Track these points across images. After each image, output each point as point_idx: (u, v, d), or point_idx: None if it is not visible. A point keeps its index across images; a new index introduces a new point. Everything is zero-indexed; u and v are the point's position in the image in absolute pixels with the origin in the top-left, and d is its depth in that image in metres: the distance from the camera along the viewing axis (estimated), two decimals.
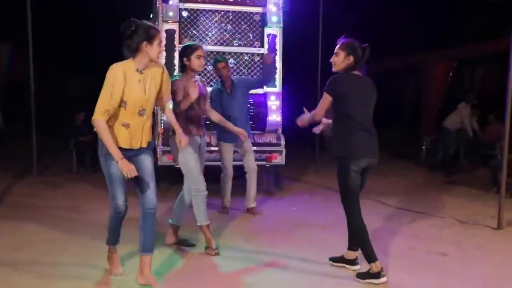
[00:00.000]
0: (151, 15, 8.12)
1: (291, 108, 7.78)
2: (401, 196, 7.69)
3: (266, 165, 7.34)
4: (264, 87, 7.36)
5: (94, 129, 3.64)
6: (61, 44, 20.65)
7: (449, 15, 16.03)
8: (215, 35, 7.32)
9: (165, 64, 6.90)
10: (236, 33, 7.38)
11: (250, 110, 7.05)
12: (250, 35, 7.41)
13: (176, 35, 7.04)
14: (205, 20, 7.25)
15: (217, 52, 7.24)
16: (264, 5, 7.35)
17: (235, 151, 6.46)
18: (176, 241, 4.90)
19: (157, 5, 7.17)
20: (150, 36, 3.66)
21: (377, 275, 3.97)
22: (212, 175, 6.85)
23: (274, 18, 7.34)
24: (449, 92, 13.33)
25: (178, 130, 4.27)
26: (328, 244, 4.93)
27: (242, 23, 7.38)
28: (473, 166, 10.54)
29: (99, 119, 3.56)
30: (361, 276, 4.08)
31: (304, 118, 4.36)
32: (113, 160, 3.60)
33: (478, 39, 12.47)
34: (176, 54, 6.98)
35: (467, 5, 14.27)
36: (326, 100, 4.04)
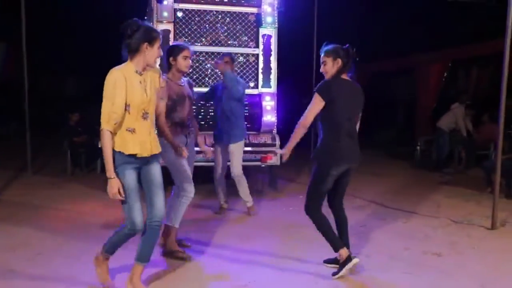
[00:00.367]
0: (146, 16, 8.12)
1: (286, 108, 7.79)
2: (395, 196, 7.70)
3: (261, 166, 7.34)
4: (259, 87, 7.37)
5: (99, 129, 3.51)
6: (55, 44, 20.60)
7: (444, 16, 16.09)
8: (210, 36, 7.32)
9: (159, 65, 6.92)
10: (231, 34, 7.38)
11: (246, 113, 7.03)
12: (245, 35, 7.41)
13: (171, 36, 7.03)
14: (199, 21, 7.24)
15: (212, 53, 7.25)
16: (259, 5, 7.35)
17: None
18: (174, 250, 4.70)
19: (152, 6, 7.16)
20: (151, 37, 3.57)
21: (348, 260, 4.05)
22: (207, 176, 6.86)
23: (269, 19, 7.35)
24: (444, 93, 13.37)
25: (174, 142, 4.27)
26: (323, 245, 4.91)
27: (237, 23, 7.38)
28: (467, 166, 10.58)
29: (103, 130, 3.43)
30: (336, 272, 4.14)
31: (289, 147, 4.23)
32: (127, 169, 3.52)
33: (472, 40, 12.52)
34: None
35: (461, 6, 14.30)
36: (318, 105, 4.01)
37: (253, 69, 7.42)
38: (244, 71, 7.42)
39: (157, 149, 3.72)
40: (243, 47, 7.41)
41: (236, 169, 6.23)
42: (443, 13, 15.86)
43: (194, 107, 7.14)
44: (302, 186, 8.44)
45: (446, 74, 13.46)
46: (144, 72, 3.62)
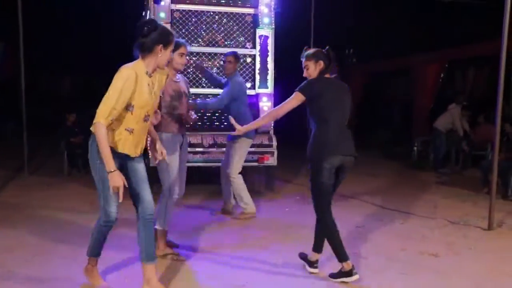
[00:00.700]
0: (144, 16, 8.11)
1: None
2: (392, 197, 7.71)
3: (259, 166, 7.34)
4: (256, 87, 7.37)
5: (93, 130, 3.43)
6: (53, 44, 20.57)
7: (441, 17, 16.12)
8: (207, 36, 7.32)
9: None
10: (228, 34, 7.37)
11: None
12: (242, 36, 7.41)
13: None
14: (197, 21, 7.24)
15: (209, 53, 7.26)
16: (256, 6, 7.35)
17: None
18: (167, 253, 4.67)
19: (149, 6, 7.15)
20: (167, 41, 3.54)
21: (349, 273, 4.01)
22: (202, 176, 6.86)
23: (266, 20, 7.34)
24: (441, 93, 13.40)
25: (158, 142, 4.16)
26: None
27: (234, 24, 7.37)
28: (464, 167, 10.60)
29: (101, 123, 3.31)
30: (334, 275, 4.11)
31: (247, 127, 4.30)
32: None
33: (469, 41, 12.55)
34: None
35: (458, 7, 14.35)
36: (296, 99, 4.04)
37: (250, 70, 7.41)
38: (241, 72, 7.40)
39: (143, 149, 3.73)
40: (240, 47, 7.39)
41: (232, 168, 6.17)
42: (440, 13, 15.90)
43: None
44: (299, 187, 8.47)
45: (443, 75, 13.49)
46: (153, 73, 3.57)
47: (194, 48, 7.16)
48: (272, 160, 7.25)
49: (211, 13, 7.28)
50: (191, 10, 7.22)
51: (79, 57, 21.55)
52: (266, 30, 7.38)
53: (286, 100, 4.11)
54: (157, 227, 4.55)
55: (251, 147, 6.81)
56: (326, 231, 4.15)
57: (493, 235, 5.69)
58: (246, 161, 6.89)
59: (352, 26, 18.19)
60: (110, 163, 3.33)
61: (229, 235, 5.49)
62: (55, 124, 10.95)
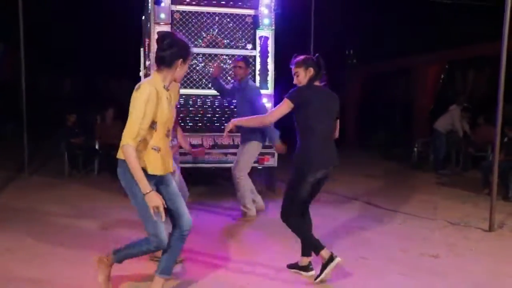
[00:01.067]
0: (143, 17, 8.12)
1: None
2: (392, 198, 7.70)
3: (258, 167, 7.33)
4: None
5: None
6: (53, 45, 20.58)
7: (441, 17, 16.12)
8: (207, 37, 7.32)
9: None
10: (228, 35, 7.37)
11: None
12: (242, 37, 7.41)
13: None
14: (197, 22, 7.24)
15: (209, 54, 7.26)
16: (256, 7, 7.35)
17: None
18: (157, 257, 4.70)
19: (149, 7, 7.15)
20: (187, 54, 3.45)
21: (330, 259, 3.98)
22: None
23: (266, 21, 7.34)
24: (441, 94, 13.40)
25: None
26: None
27: (234, 25, 7.37)
28: (464, 168, 10.59)
29: (130, 145, 3.19)
30: (291, 266, 4.19)
31: (235, 123, 4.30)
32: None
33: (470, 42, 12.55)
34: None
35: (459, 8, 14.35)
36: (285, 106, 4.02)
37: (250, 71, 7.40)
38: None
39: (172, 166, 3.64)
40: (240, 48, 7.40)
41: (238, 168, 6.17)
42: (440, 14, 15.90)
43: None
44: None
45: (443, 76, 13.49)
46: (170, 87, 3.50)
47: (195, 49, 7.15)
48: (272, 161, 7.25)
49: (211, 14, 7.28)
50: (191, 11, 7.22)
51: (79, 58, 21.57)
52: (266, 31, 7.38)
53: (276, 107, 4.13)
54: None
55: None
56: (295, 231, 4.17)
57: (493, 237, 5.69)
58: None
59: (352, 27, 18.18)
60: (145, 184, 3.23)
61: (229, 235, 5.49)
62: (55, 125, 10.96)
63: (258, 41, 7.38)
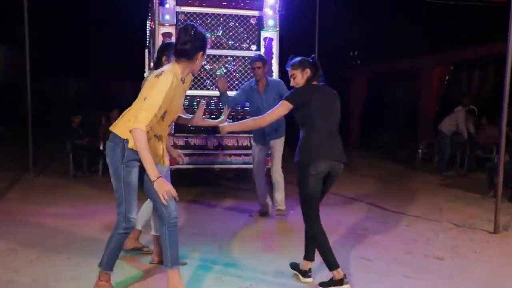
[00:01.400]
0: (148, 18, 8.13)
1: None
2: (397, 199, 7.68)
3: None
4: None
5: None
6: (57, 46, 20.65)
7: (446, 18, 16.08)
8: (212, 38, 7.33)
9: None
10: (233, 37, 7.38)
11: (247, 116, 7.03)
12: (247, 38, 7.41)
13: (173, 39, 7.03)
14: (201, 24, 7.24)
15: (214, 56, 7.26)
16: (260, 8, 7.36)
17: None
18: (137, 247, 4.70)
19: (154, 8, 7.17)
20: (205, 46, 3.46)
21: (340, 282, 3.86)
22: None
23: (271, 22, 7.35)
24: (446, 96, 13.37)
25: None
26: None
27: (239, 26, 7.38)
28: (469, 169, 10.56)
29: (142, 130, 3.15)
30: (324, 284, 3.99)
31: (231, 127, 4.20)
32: (135, 167, 3.37)
33: (475, 42, 12.51)
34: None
35: (463, 8, 14.30)
36: (283, 108, 3.98)
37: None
38: (246, 74, 7.41)
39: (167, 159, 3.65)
40: (245, 50, 7.41)
41: (279, 168, 6.22)
42: (445, 15, 15.86)
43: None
44: None
45: (448, 77, 13.46)
46: (186, 79, 3.48)
47: None
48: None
49: (216, 15, 7.29)
50: (196, 12, 7.24)
51: (84, 59, 21.63)
52: (270, 32, 7.39)
53: (273, 109, 4.08)
54: (155, 233, 4.44)
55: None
56: (315, 241, 4.03)
57: (499, 239, 5.66)
58: (250, 163, 6.91)
59: (357, 28, 18.17)
60: (155, 170, 3.21)
61: (235, 235, 5.48)
62: (60, 126, 11.00)
63: (262, 42, 7.39)
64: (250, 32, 7.42)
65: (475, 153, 10.58)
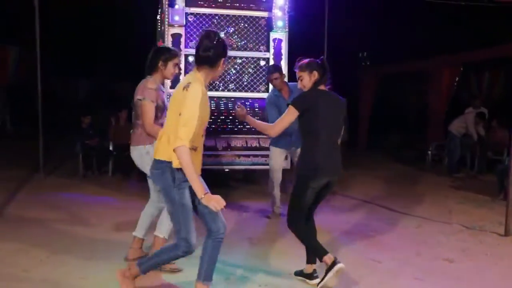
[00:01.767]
0: (158, 19, 8.15)
1: None
2: (406, 201, 7.64)
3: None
4: (270, 91, 7.36)
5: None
6: (67, 47, 20.77)
7: (456, 20, 16.01)
8: None
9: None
10: (242, 38, 7.38)
11: (256, 117, 7.03)
12: (256, 39, 7.41)
13: (182, 40, 7.06)
14: (211, 25, 7.25)
15: None
16: (269, 9, 7.36)
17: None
18: (141, 256, 4.45)
19: (164, 9, 7.19)
20: (226, 53, 3.41)
21: (333, 264, 3.84)
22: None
23: (280, 23, 7.34)
24: (456, 97, 13.29)
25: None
26: (332, 250, 4.89)
27: (248, 27, 7.38)
28: (479, 171, 10.49)
29: (184, 147, 3.09)
30: (325, 273, 3.92)
31: (252, 119, 4.24)
32: (186, 188, 3.28)
33: (485, 44, 12.44)
34: (182, 59, 6.99)
35: (474, 10, 14.23)
36: (291, 114, 3.94)
37: (263, 73, 7.41)
38: (255, 75, 7.42)
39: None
40: (254, 51, 7.41)
41: None
42: (455, 16, 15.78)
43: None
44: None
45: (458, 78, 13.39)
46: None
47: None
48: (285, 164, 7.22)
49: (225, 17, 7.29)
50: (205, 13, 7.25)
51: (93, 60, 21.74)
52: (280, 33, 7.39)
53: (281, 117, 4.05)
54: (159, 234, 4.39)
55: (265, 151, 6.84)
56: (299, 234, 4.05)
57: (509, 241, 5.61)
58: (258, 164, 6.92)
59: (366, 29, 18.12)
60: (201, 187, 3.15)
61: (244, 236, 5.48)
62: (69, 127, 11.07)
63: (271, 43, 7.39)
64: (259, 33, 7.42)
65: (485, 154, 10.50)
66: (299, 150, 6.01)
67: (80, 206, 6.89)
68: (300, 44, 9.31)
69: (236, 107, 4.19)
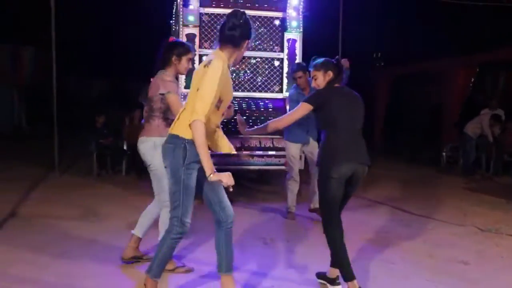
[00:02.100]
0: (173, 19, 8.18)
1: None
2: (420, 203, 7.59)
3: (285, 170, 7.30)
4: (284, 91, 7.37)
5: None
6: (82, 46, 20.95)
7: (471, 20, 15.87)
8: None
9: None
10: (256, 38, 7.38)
11: (270, 117, 7.03)
12: (270, 40, 7.41)
13: (197, 40, 7.08)
14: None
15: None
16: (284, 10, 7.36)
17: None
18: (137, 256, 4.45)
19: (178, 10, 7.22)
20: (251, 35, 3.33)
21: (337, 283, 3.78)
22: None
23: (294, 23, 7.34)
24: (471, 98, 13.18)
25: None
26: (350, 249, 4.87)
27: (262, 28, 7.38)
28: (495, 173, 10.38)
29: (201, 121, 3.05)
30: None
31: (251, 131, 4.18)
32: (194, 170, 3.25)
33: (501, 44, 12.31)
34: (196, 59, 7.02)
35: (490, 10, 14.10)
36: (302, 109, 3.87)
37: (278, 73, 7.42)
38: (269, 75, 7.42)
39: None
40: (268, 51, 7.41)
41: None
42: (470, 16, 15.65)
43: None
44: None
45: (473, 79, 13.27)
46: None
47: None
48: (299, 164, 7.22)
49: None
50: (220, 14, 7.26)
51: (108, 60, 21.90)
52: (294, 34, 7.39)
53: (291, 111, 3.99)
54: (134, 232, 4.39)
55: (279, 151, 6.83)
56: (332, 246, 3.84)
57: None
58: (272, 164, 6.91)
59: (380, 29, 18.04)
60: (211, 164, 3.09)
61: (256, 237, 5.48)
62: (84, 126, 11.15)
63: (286, 44, 7.39)
64: (274, 34, 7.42)
65: (501, 156, 10.39)
66: (313, 142, 6.05)
67: (94, 204, 6.94)
68: (315, 44, 9.30)
69: (237, 119, 4.08)
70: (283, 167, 7.17)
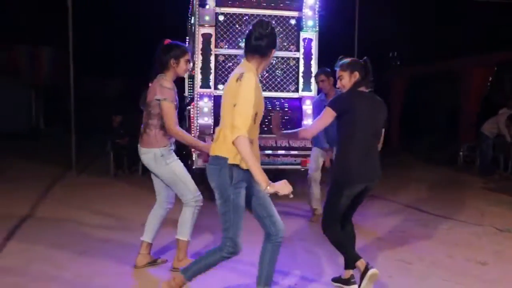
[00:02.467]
0: (190, 19, 8.21)
1: None
2: (437, 202, 7.54)
3: (301, 169, 7.30)
4: (300, 90, 7.36)
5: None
6: (99, 46, 21.11)
7: (488, 19, 15.71)
8: None
9: (200, 69, 7.00)
10: None
11: (286, 116, 7.04)
12: (286, 39, 7.40)
13: (212, 39, 7.09)
14: (241, 24, 7.28)
15: None
16: (300, 9, 7.33)
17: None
18: (150, 262, 4.41)
19: (194, 9, 7.24)
20: (276, 43, 3.30)
21: (366, 271, 3.74)
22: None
23: (310, 22, 7.32)
24: (488, 98, 13.04)
25: (198, 144, 4.07)
26: (367, 250, 4.85)
27: (278, 27, 7.37)
28: None
29: (245, 136, 2.97)
30: (361, 279, 3.84)
31: (283, 134, 4.13)
32: (242, 188, 3.17)
33: None
34: (212, 58, 7.04)
35: (507, 9, 13.94)
36: (327, 116, 3.76)
37: (293, 72, 7.41)
38: (285, 75, 7.41)
39: None
40: (284, 50, 7.40)
41: None
42: (488, 15, 15.49)
43: None
44: None
45: (491, 79, 13.13)
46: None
47: (239, 51, 7.20)
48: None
49: (255, 16, 7.28)
50: (236, 13, 7.27)
51: (124, 60, 22.04)
52: (310, 33, 7.36)
53: (318, 117, 3.89)
54: (180, 238, 4.29)
55: (295, 151, 6.82)
56: (340, 248, 3.92)
57: None
58: (288, 164, 6.90)
59: (397, 29, 17.93)
60: (265, 176, 2.99)
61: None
62: (101, 126, 11.24)
63: (301, 43, 7.37)
64: (290, 33, 7.40)
65: None
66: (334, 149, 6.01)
67: (111, 204, 7.01)
68: (331, 44, 9.28)
69: (273, 118, 4.05)
70: (299, 167, 7.16)
